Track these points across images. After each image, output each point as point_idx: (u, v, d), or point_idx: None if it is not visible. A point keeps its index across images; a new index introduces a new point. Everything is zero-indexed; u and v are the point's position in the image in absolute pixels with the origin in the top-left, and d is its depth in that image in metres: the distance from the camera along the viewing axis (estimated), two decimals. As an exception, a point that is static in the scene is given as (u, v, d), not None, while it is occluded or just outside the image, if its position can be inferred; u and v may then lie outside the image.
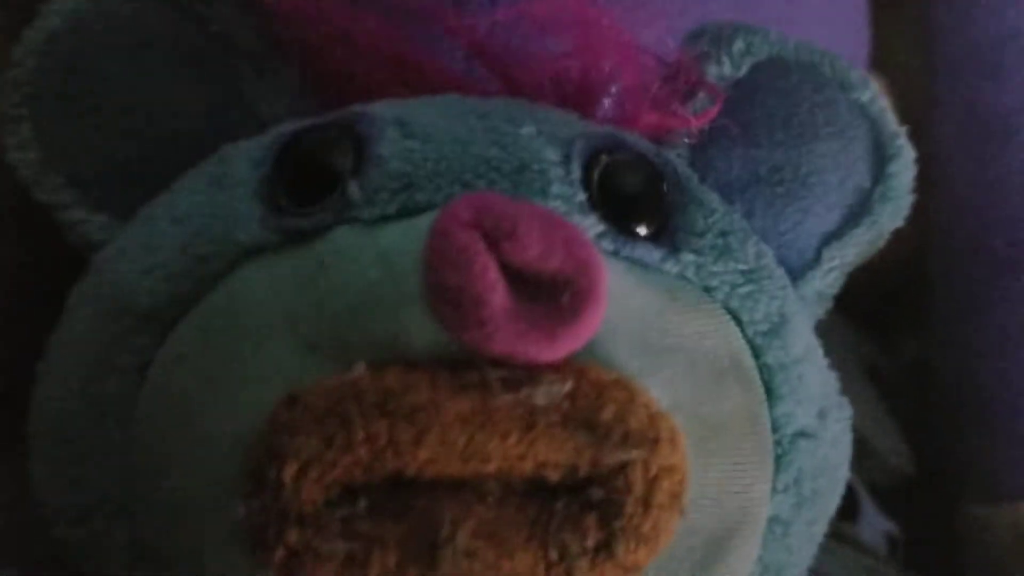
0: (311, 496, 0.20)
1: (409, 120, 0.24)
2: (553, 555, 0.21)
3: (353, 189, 0.23)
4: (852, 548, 0.42)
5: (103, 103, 0.27)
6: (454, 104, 0.25)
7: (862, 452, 0.29)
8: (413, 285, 0.21)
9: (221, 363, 0.23)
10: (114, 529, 0.24)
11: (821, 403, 0.26)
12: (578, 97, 0.26)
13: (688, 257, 0.25)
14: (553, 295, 0.21)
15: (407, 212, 0.23)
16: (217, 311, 0.23)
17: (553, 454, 0.21)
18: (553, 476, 0.21)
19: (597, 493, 0.21)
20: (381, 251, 0.22)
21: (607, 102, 0.26)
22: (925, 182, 0.31)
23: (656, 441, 0.21)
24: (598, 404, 0.21)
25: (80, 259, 0.27)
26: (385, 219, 0.23)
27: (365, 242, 0.23)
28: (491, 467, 0.21)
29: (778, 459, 0.25)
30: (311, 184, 0.24)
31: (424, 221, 0.22)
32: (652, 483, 0.21)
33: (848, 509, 0.43)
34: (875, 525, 0.44)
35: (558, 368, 0.21)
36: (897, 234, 0.32)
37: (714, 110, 0.26)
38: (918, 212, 0.35)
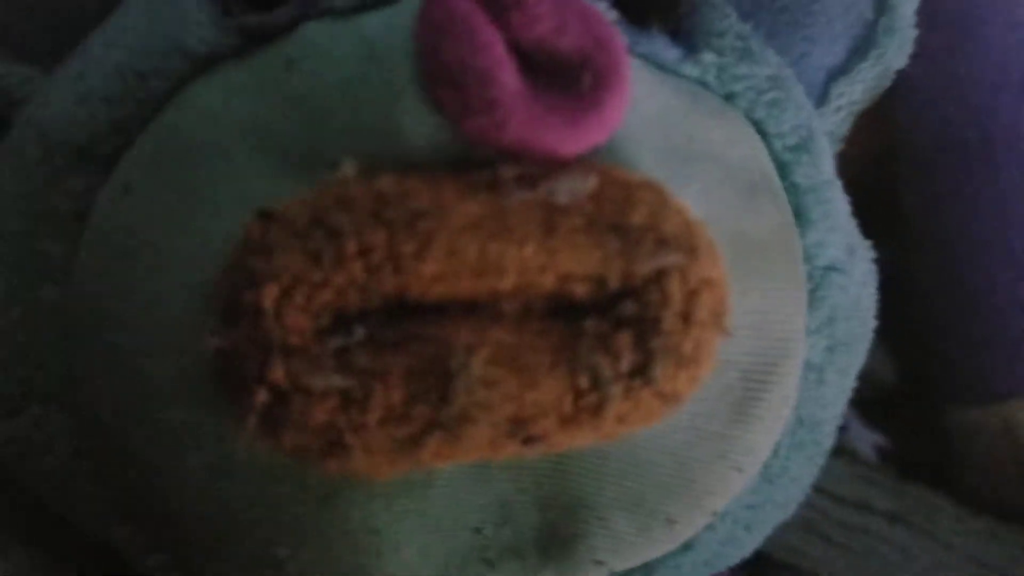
0: (297, 324, 0.17)
1: None
2: (582, 382, 0.18)
3: None
4: (844, 458, 0.41)
5: None
6: None
7: None
8: (404, 71, 0.18)
9: (175, 191, 0.19)
10: (51, 415, 0.21)
11: (849, 237, 0.24)
12: None
13: (709, 57, 0.22)
14: (569, 79, 0.18)
15: None
16: (167, 133, 0.20)
17: (578, 263, 0.18)
18: (579, 290, 0.18)
19: (630, 308, 0.18)
20: (362, 37, 0.19)
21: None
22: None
23: (694, 250, 0.18)
24: (627, 206, 0.18)
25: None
26: (362, 7, 0.20)
27: (341, 31, 0.20)
28: (508, 282, 0.17)
29: (811, 294, 0.22)
30: None
31: (412, 3, 0.19)
32: (692, 296, 0.18)
33: (835, 422, 0.42)
34: (863, 438, 0.43)
35: (579, 166, 0.18)
36: (855, 140, 0.30)
37: None
38: (876, 117, 0.34)
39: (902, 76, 0.43)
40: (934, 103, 0.44)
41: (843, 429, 0.43)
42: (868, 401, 0.46)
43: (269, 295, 0.17)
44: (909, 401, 0.45)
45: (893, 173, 0.46)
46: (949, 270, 0.44)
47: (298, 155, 0.19)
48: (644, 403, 0.18)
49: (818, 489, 0.38)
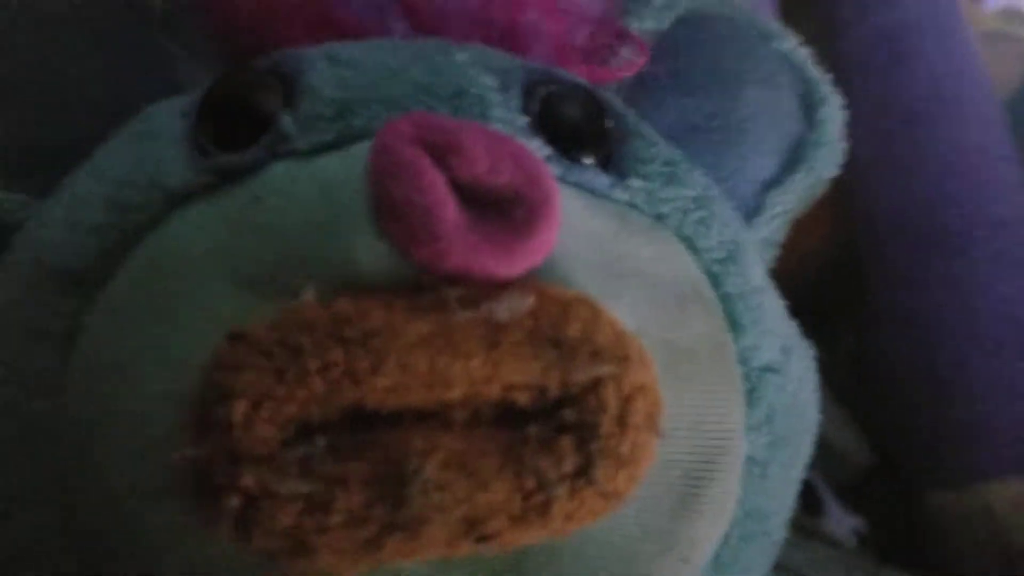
0: (265, 436, 0.19)
1: (337, 53, 0.24)
2: (530, 483, 0.19)
3: (286, 121, 0.22)
4: (821, 542, 0.41)
5: (10, 78, 0.25)
6: (382, 42, 0.25)
7: (819, 449, 0.29)
8: (358, 207, 0.20)
9: (154, 314, 0.21)
10: (43, 518, 0.22)
11: (784, 339, 0.25)
12: (505, 46, 0.25)
13: (637, 183, 0.24)
14: (505, 211, 0.20)
15: (344, 141, 0.22)
16: (147, 261, 0.22)
17: (520, 374, 0.19)
18: (522, 399, 0.19)
19: (570, 415, 0.20)
20: (320, 177, 0.21)
21: (535, 52, 0.25)
22: (841, 177, 0.31)
23: (626, 359, 0.20)
24: (563, 320, 0.20)
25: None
26: (321, 149, 0.22)
27: (302, 172, 0.22)
28: (456, 392, 0.19)
29: (748, 394, 0.24)
30: (240, 127, 0.23)
31: (364, 146, 0.21)
32: (626, 401, 0.20)
33: (812, 507, 0.43)
34: (842, 522, 0.43)
35: (517, 286, 0.20)
36: (811, 229, 0.32)
37: (641, 60, 0.26)
38: (833, 204, 0.35)
39: (858, 164, 0.45)
40: (887, 192, 0.46)
41: (822, 514, 0.44)
42: (846, 485, 0.47)
43: (239, 409, 0.19)
44: (887, 485, 0.46)
45: (857, 261, 0.47)
46: (920, 355, 0.45)
47: (264, 281, 0.20)
48: (588, 502, 0.20)
49: (795, 572, 0.39)
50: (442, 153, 0.19)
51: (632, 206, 0.24)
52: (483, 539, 0.20)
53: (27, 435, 0.22)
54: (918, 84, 0.44)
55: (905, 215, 0.44)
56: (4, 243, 0.24)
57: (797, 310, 0.27)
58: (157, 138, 0.24)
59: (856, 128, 0.43)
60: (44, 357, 0.22)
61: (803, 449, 0.26)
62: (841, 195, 0.43)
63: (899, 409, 0.45)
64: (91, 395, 0.22)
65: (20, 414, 0.22)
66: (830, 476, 0.44)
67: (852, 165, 0.31)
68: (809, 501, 0.42)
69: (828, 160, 0.29)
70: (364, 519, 0.19)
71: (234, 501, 0.19)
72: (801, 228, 0.31)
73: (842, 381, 0.46)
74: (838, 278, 0.45)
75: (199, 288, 0.21)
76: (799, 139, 0.28)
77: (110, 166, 0.24)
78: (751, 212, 0.27)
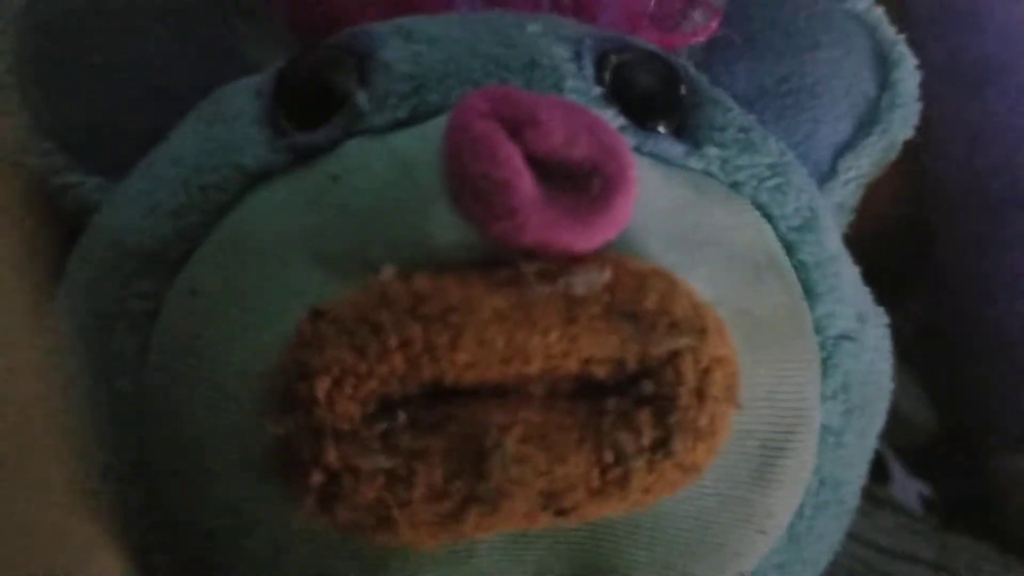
0: (347, 412, 0.19)
1: (410, 29, 0.24)
2: (608, 456, 0.19)
3: (361, 98, 0.22)
4: (889, 510, 0.41)
5: (89, 63, 0.26)
6: (453, 16, 0.25)
7: (887, 416, 0.28)
8: (434, 183, 0.20)
9: (236, 293, 0.21)
10: (128, 493, 0.23)
11: (859, 307, 0.25)
12: (575, 14, 0.25)
13: (712, 151, 0.24)
14: (581, 184, 0.20)
15: (419, 116, 0.22)
16: (226, 241, 0.22)
17: (598, 348, 0.19)
18: (600, 372, 0.20)
19: (648, 387, 0.20)
20: (396, 154, 0.21)
21: (605, 19, 0.25)
22: (911, 141, 0.30)
23: (703, 331, 0.20)
24: (640, 293, 0.20)
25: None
26: (397, 125, 0.22)
27: (378, 149, 0.22)
28: (534, 367, 0.19)
29: (824, 363, 0.24)
30: (315, 106, 0.23)
31: (439, 122, 0.21)
32: (704, 374, 0.20)
33: (879, 473, 0.42)
34: (908, 487, 0.43)
35: (594, 259, 0.20)
36: (880, 192, 0.32)
37: (713, 25, 0.26)
38: (906, 172, 0.35)
39: (927, 129, 0.45)
40: (958, 155, 0.45)
41: (887, 479, 0.44)
42: (912, 450, 0.47)
43: (321, 386, 0.19)
44: (952, 449, 0.45)
45: (928, 227, 0.46)
46: (984, 318, 0.44)
47: (343, 259, 0.21)
48: (666, 474, 0.20)
49: (863, 540, 0.39)
50: (518, 127, 0.19)
51: (707, 174, 0.24)
52: (562, 512, 0.20)
53: (110, 415, 0.23)
54: (987, 45, 0.43)
55: (976, 177, 0.43)
56: (83, 226, 0.25)
57: (868, 276, 0.27)
58: (233, 119, 0.24)
59: (926, 89, 0.43)
60: (125, 337, 0.23)
61: (877, 417, 0.26)
62: (910, 157, 0.42)
63: (967, 372, 0.44)
64: (173, 374, 0.22)
65: (102, 394, 0.23)
66: (896, 441, 0.44)
67: (922, 127, 0.31)
68: (875, 468, 0.42)
69: (903, 122, 0.28)
70: (445, 493, 0.19)
71: (318, 477, 0.19)
72: (870, 192, 0.30)
73: (908, 345, 0.45)
74: (907, 241, 0.45)
75: (279, 267, 0.21)
76: (873, 101, 0.28)
77: (186, 148, 0.24)
78: (824, 177, 0.27)
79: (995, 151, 0.43)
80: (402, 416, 0.19)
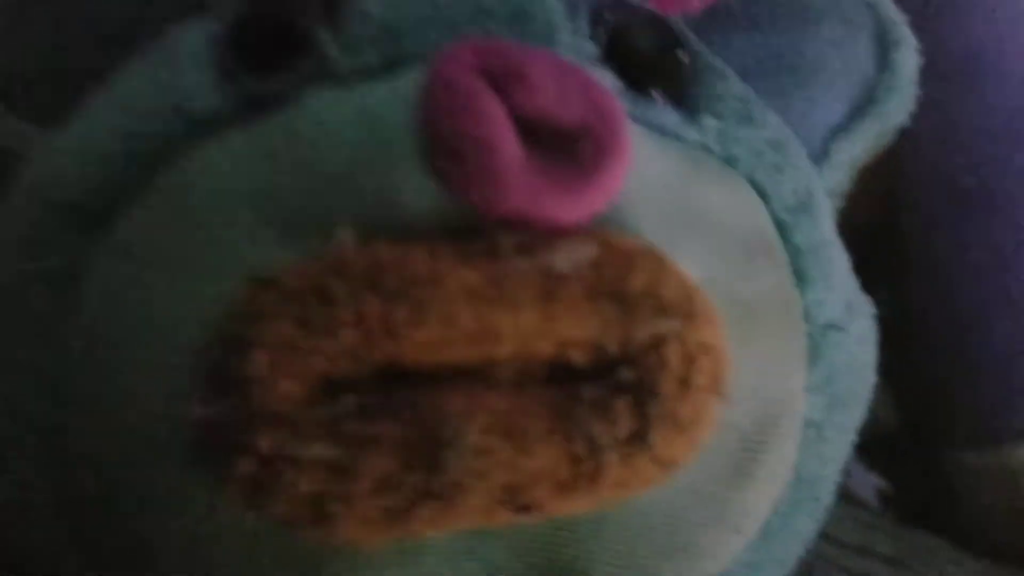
0: (287, 392, 0.17)
1: None
2: (579, 448, 0.17)
3: (326, 40, 0.20)
4: (846, 502, 0.40)
5: (27, 8, 0.23)
6: None
7: None
8: (405, 141, 0.18)
9: (173, 254, 0.19)
10: (34, 475, 0.20)
11: (848, 296, 0.24)
12: None
13: (709, 121, 0.22)
14: (570, 150, 0.18)
15: (392, 65, 0.20)
16: (165, 196, 0.20)
17: (576, 330, 0.17)
18: (577, 357, 0.17)
19: (628, 374, 0.18)
20: (364, 108, 0.19)
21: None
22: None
23: (692, 315, 0.18)
24: (626, 273, 0.18)
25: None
26: (367, 75, 0.20)
27: (344, 100, 0.19)
28: (505, 349, 0.17)
29: (810, 353, 0.22)
30: (276, 50, 0.20)
31: (415, 73, 0.19)
32: (690, 361, 0.18)
33: (835, 465, 0.41)
34: (864, 481, 0.42)
35: (579, 234, 0.18)
36: (862, 187, 0.30)
37: None
38: (882, 163, 0.34)
39: (904, 124, 0.44)
40: (935, 151, 0.44)
41: (844, 473, 0.43)
42: (869, 444, 0.46)
43: (258, 361, 0.17)
44: (911, 444, 0.45)
45: (898, 219, 0.46)
46: (949, 316, 0.44)
47: (297, 222, 0.18)
48: (641, 469, 0.18)
49: (819, 534, 0.38)
50: (504, 82, 0.17)
51: (703, 147, 0.22)
52: (524, 508, 0.18)
53: (21, 385, 0.20)
54: (971, 39, 0.42)
55: (949, 173, 0.43)
56: (11, 176, 0.22)
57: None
58: (181, 61, 0.21)
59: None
60: (42, 297, 0.20)
61: (859, 411, 0.25)
62: (887, 150, 0.41)
63: (926, 368, 0.43)
64: (97, 341, 0.19)
65: (15, 363, 0.20)
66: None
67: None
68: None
69: (899, 106, 0.27)
70: (394, 486, 0.17)
71: (247, 464, 0.17)
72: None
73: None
74: (876, 234, 0.44)
75: (225, 228, 0.19)
76: (871, 82, 0.26)
77: (127, 92, 0.21)
78: (816, 159, 0.25)
79: (969, 150, 0.42)
80: (350, 400, 0.17)
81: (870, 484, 0.42)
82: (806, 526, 0.24)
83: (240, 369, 0.17)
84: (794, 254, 0.22)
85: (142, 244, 0.19)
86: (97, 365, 0.19)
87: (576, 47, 0.21)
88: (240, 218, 0.19)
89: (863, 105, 0.26)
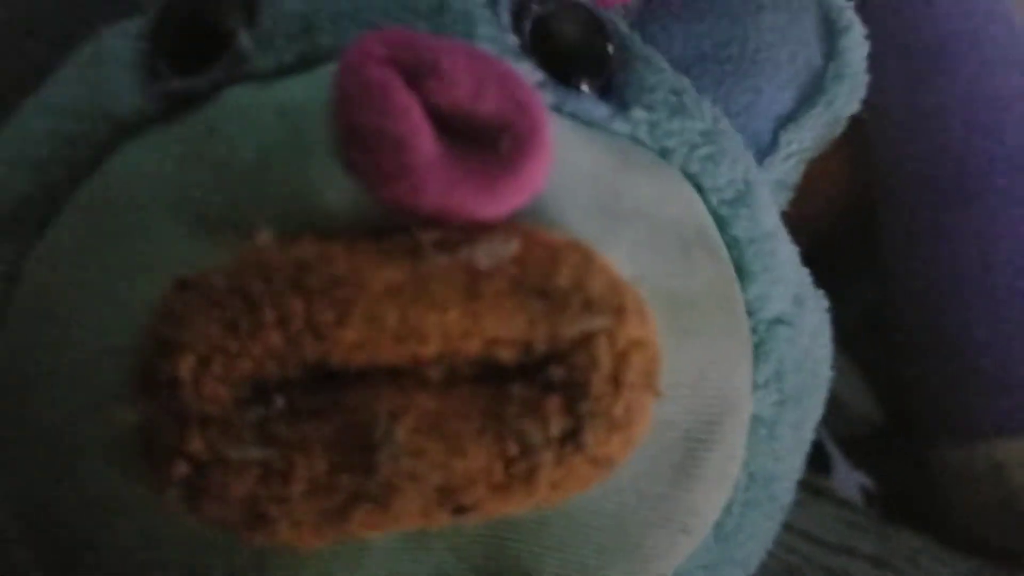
0: (216, 395, 0.17)
1: None
2: (512, 448, 0.17)
3: (244, 38, 0.20)
4: (829, 501, 0.40)
5: None
6: None
7: (828, 405, 0.27)
8: (322, 138, 0.18)
9: (99, 257, 0.19)
10: None
11: (796, 288, 0.23)
12: None
13: (640, 114, 0.22)
14: (489, 144, 0.17)
15: (309, 61, 0.20)
16: (91, 199, 0.20)
17: (503, 328, 0.17)
18: (505, 355, 0.17)
19: (558, 372, 0.17)
20: (280, 104, 0.19)
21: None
22: (860, 121, 0.29)
23: (621, 310, 0.18)
24: (552, 268, 0.18)
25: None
26: (284, 71, 0.20)
27: (260, 97, 0.19)
28: (431, 348, 0.17)
29: (756, 348, 0.22)
30: (197, 49, 0.21)
31: (329, 68, 0.19)
32: (621, 358, 0.18)
33: (820, 463, 0.41)
34: (848, 479, 0.42)
35: (501, 229, 0.18)
36: (828, 174, 0.30)
37: None
38: (852, 148, 0.33)
39: (877, 111, 0.43)
40: (908, 141, 0.44)
41: (828, 470, 0.43)
42: (854, 441, 0.45)
43: (185, 364, 0.17)
44: (895, 441, 0.44)
45: (875, 213, 0.45)
46: (929, 308, 0.43)
47: (220, 221, 0.18)
48: (577, 469, 0.18)
49: (801, 532, 0.38)
50: (418, 75, 0.17)
51: (634, 139, 0.22)
52: (461, 510, 0.18)
53: None
54: (942, 26, 0.42)
55: (924, 162, 0.42)
56: None
57: (810, 258, 0.25)
58: (108, 63, 0.21)
59: (878, 69, 0.42)
60: None
61: (814, 408, 0.24)
62: (861, 140, 0.40)
63: (910, 362, 0.43)
64: (31, 346, 0.20)
65: None
66: (837, 432, 0.43)
67: (872, 108, 0.29)
68: (816, 458, 0.41)
69: (849, 94, 0.26)
70: (327, 488, 0.17)
71: (181, 467, 0.17)
72: (818, 172, 0.29)
73: (852, 332, 0.44)
74: (855, 226, 0.43)
75: (147, 229, 0.19)
76: (818, 71, 0.26)
77: (56, 96, 0.21)
78: (765, 150, 0.25)
79: (942, 140, 0.42)
80: (279, 401, 0.17)
81: (854, 482, 0.41)
82: (763, 527, 0.24)
83: (168, 372, 0.17)
84: (734, 247, 0.22)
85: (69, 248, 0.20)
86: (32, 369, 0.19)
87: (496, 38, 0.21)
88: (163, 219, 0.19)
89: (812, 94, 0.26)
